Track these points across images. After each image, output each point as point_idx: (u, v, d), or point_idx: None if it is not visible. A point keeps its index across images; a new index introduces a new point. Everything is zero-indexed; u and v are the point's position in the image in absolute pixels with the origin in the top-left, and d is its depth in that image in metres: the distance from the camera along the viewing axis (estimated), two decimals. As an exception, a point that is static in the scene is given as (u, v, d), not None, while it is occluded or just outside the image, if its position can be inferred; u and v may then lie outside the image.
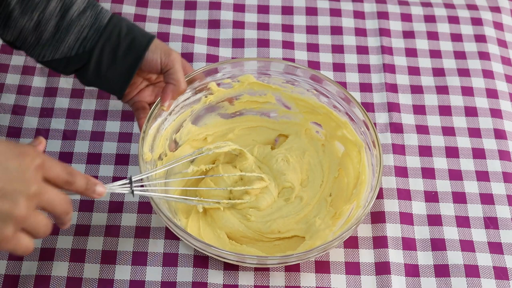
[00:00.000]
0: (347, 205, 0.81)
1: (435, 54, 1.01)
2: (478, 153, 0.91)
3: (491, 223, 0.85)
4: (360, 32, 1.02)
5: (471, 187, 0.88)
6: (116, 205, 0.84)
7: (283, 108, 0.89)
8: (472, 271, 0.81)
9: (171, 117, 0.84)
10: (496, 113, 0.94)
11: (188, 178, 0.83)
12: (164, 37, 0.99)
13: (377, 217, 0.84)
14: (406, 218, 0.85)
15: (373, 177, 0.79)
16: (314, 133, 0.89)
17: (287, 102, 0.89)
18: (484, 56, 1.00)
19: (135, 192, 0.71)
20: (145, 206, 0.84)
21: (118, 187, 0.71)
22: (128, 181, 0.71)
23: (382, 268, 0.80)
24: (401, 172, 0.88)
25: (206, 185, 0.83)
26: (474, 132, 0.93)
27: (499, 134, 0.92)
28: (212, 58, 0.98)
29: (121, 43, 0.80)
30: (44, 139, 0.66)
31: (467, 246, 0.83)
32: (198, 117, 0.87)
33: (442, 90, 0.97)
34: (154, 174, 0.78)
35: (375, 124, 0.92)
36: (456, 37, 1.03)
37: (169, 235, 0.81)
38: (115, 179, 0.85)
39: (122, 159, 0.88)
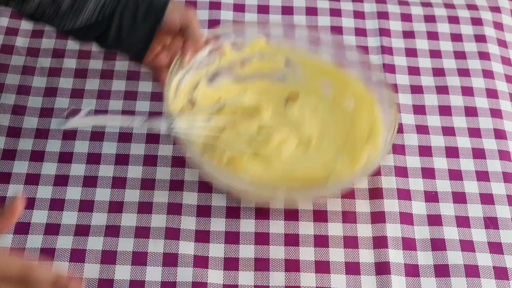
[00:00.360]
0: (364, 150, 0.84)
1: (435, 54, 1.01)
2: (478, 153, 0.91)
3: (491, 223, 0.85)
4: (360, 32, 1.02)
5: (471, 187, 0.88)
6: (116, 205, 0.84)
7: (292, 70, 0.92)
8: (472, 271, 0.81)
9: (188, 76, 0.86)
10: (496, 113, 0.94)
11: (209, 131, 0.86)
12: (164, 37, 0.99)
13: (377, 217, 0.84)
14: (406, 218, 0.85)
15: (388, 116, 0.82)
16: (324, 92, 0.91)
17: (296, 65, 0.91)
18: (484, 56, 1.00)
19: (174, 130, 0.76)
20: (144, 206, 0.84)
21: (157, 123, 0.75)
22: (165, 119, 0.75)
23: (382, 268, 0.80)
24: (401, 172, 0.88)
25: (227, 138, 0.86)
26: (474, 132, 0.93)
27: (499, 134, 0.92)
28: (212, 58, 0.98)
29: (139, 6, 0.82)
30: (21, 203, 0.62)
31: (467, 246, 0.83)
32: (212, 78, 0.90)
33: (442, 90, 0.97)
34: (190, 119, 0.83)
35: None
36: (456, 37, 1.03)
37: (169, 235, 0.82)
38: (114, 179, 0.85)
39: (122, 159, 0.87)
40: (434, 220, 0.85)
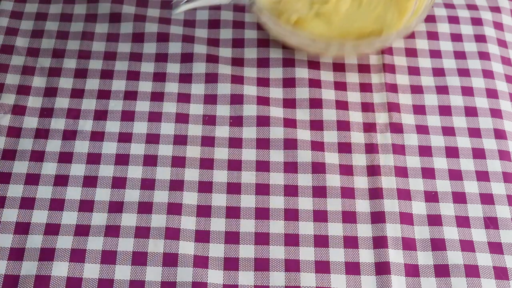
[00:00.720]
0: (410, 2, 0.94)
1: (435, 54, 1.01)
2: (478, 153, 0.91)
3: (491, 223, 0.85)
4: (360, 32, 1.03)
5: (471, 187, 0.88)
6: (116, 205, 0.84)
7: None
8: (472, 271, 0.81)
9: None
10: (496, 113, 0.94)
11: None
12: (164, 37, 0.99)
13: (377, 217, 0.84)
14: (406, 218, 0.85)
15: None
16: None
17: None
18: (484, 56, 1.00)
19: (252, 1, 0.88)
20: (144, 206, 0.84)
21: None
22: None
23: (382, 268, 0.80)
24: (401, 172, 0.89)
25: (291, 1, 0.95)
26: (474, 132, 0.93)
27: (499, 134, 0.92)
28: (212, 58, 0.98)
29: None
30: None
31: (467, 246, 0.83)
32: None
33: (442, 90, 0.97)
34: None
35: (375, 124, 0.92)
36: (456, 37, 1.03)
37: (169, 235, 0.82)
38: (114, 179, 0.86)
39: (122, 159, 0.88)
40: (434, 220, 0.85)
